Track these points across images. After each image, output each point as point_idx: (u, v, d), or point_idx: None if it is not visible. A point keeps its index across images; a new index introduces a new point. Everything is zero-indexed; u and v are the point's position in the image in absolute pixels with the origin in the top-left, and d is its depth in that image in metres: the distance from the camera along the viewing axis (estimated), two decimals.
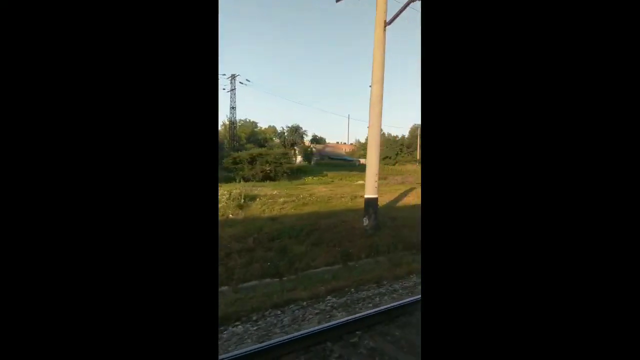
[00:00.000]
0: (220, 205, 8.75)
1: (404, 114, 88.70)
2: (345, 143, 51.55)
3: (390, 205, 10.96)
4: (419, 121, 53.66)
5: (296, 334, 2.68)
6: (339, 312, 3.37)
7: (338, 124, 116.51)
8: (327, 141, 46.72)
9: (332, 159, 41.47)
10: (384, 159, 41.66)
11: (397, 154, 41.51)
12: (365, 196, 7.28)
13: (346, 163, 38.63)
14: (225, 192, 9.87)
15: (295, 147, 37.19)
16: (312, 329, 2.76)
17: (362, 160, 42.29)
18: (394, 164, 39.73)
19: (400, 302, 3.40)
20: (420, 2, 5.41)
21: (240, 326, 3.04)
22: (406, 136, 43.96)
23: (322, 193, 12.40)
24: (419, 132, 41.11)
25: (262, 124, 45.64)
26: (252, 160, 20.88)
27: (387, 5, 7.09)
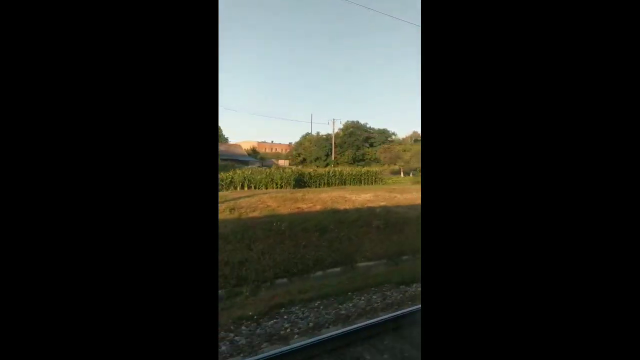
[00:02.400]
0: None
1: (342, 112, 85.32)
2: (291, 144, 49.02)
3: None
4: (349, 118, 51.48)
5: None
6: None
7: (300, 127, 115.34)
8: (231, 140, 43.97)
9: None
10: (315, 160, 39.65)
11: (327, 155, 39.33)
12: None
13: (239, 164, 36.01)
14: None
15: None
16: None
17: (280, 162, 40.12)
18: (325, 166, 37.68)
19: None
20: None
21: None
22: (335, 134, 41.57)
23: None
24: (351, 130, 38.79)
25: None
26: None
27: None
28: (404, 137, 43.95)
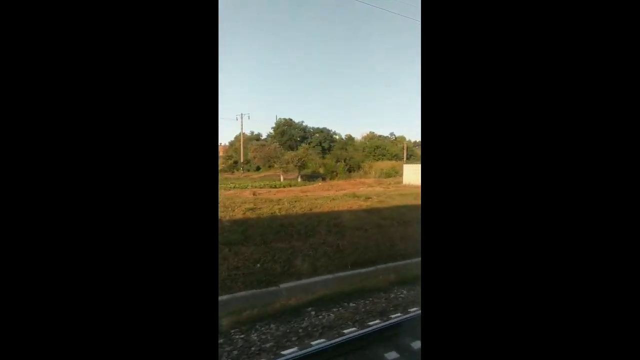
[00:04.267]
0: None
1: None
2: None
3: None
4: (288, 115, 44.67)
5: None
6: None
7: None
8: None
9: None
10: (247, 162, 34.71)
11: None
12: None
13: None
14: None
15: None
16: None
17: None
18: (256, 170, 32.70)
19: None
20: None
21: None
22: (271, 134, 36.07)
23: None
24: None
25: None
26: None
27: None
28: (360, 137, 37.64)
